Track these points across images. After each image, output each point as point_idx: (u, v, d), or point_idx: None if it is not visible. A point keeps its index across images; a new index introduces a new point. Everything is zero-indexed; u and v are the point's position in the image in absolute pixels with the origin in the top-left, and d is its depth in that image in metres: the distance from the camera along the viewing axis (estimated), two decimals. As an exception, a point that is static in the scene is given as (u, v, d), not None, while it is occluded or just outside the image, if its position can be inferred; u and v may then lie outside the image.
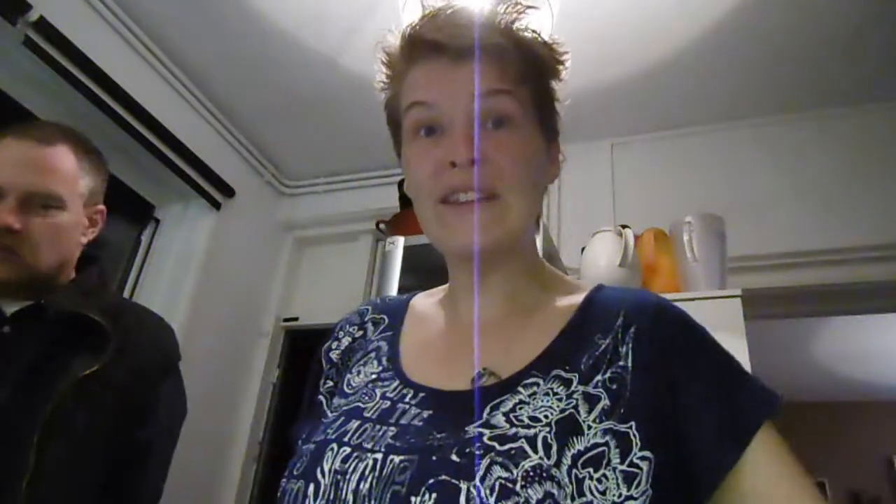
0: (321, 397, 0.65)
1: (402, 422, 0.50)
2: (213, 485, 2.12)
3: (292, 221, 2.63)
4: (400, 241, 1.44)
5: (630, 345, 0.51)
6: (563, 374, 0.50)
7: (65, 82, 1.69)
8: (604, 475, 0.43)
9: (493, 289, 0.60)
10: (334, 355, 0.68)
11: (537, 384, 0.50)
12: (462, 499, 0.41)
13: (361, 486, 0.45)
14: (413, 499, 0.42)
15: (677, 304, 0.56)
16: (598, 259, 1.47)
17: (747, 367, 0.68)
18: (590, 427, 0.46)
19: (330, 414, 0.58)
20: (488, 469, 0.42)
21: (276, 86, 2.14)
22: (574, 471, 0.43)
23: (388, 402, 0.54)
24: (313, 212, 2.60)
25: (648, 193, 2.10)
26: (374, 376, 0.60)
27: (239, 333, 2.33)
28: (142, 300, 2.00)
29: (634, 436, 0.45)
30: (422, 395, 0.54)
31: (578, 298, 0.59)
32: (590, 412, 0.47)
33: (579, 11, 1.72)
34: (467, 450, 0.44)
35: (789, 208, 1.92)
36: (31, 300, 0.95)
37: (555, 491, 0.41)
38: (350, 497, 0.45)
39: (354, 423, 0.52)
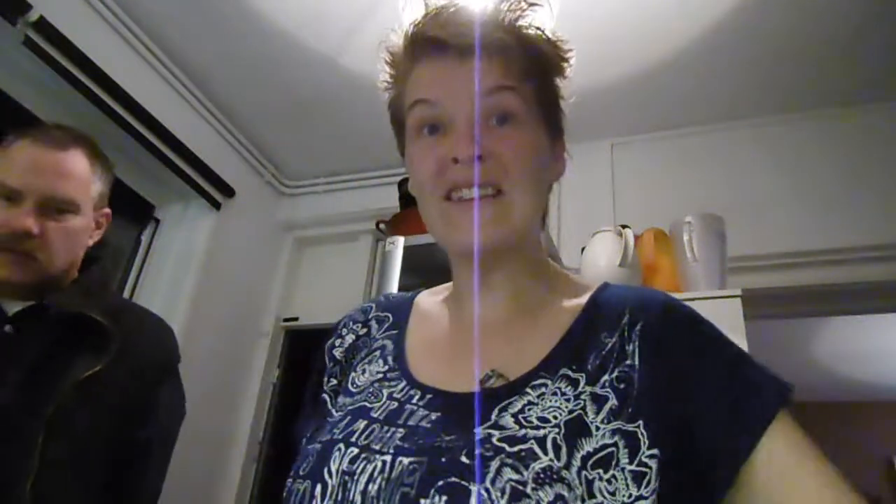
0: (325, 396, 0.65)
1: (411, 423, 0.50)
2: (213, 485, 2.11)
3: (292, 221, 2.62)
4: (400, 241, 1.43)
5: (636, 342, 0.51)
6: (570, 373, 0.50)
7: (65, 82, 1.69)
8: (613, 476, 0.43)
9: (497, 287, 0.60)
10: (338, 353, 0.67)
11: (545, 384, 0.50)
12: (472, 501, 0.40)
13: (370, 487, 0.45)
14: (423, 501, 0.42)
15: (679, 303, 0.55)
16: (598, 259, 1.46)
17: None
18: (598, 428, 0.45)
19: (335, 413, 0.58)
20: (498, 471, 0.42)
21: (276, 86, 2.14)
22: (584, 472, 0.43)
23: (396, 403, 0.53)
24: (313, 212, 2.59)
25: (648, 193, 2.09)
26: (380, 375, 0.59)
27: (239, 333, 2.32)
28: (142, 300, 2.00)
29: (642, 434, 0.45)
30: (429, 396, 0.53)
31: (584, 297, 0.58)
32: (598, 413, 0.46)
33: (579, 11, 1.72)
34: (477, 451, 0.44)
35: (789, 208, 1.92)
36: (32, 300, 0.95)
37: (565, 493, 0.41)
38: (358, 498, 0.44)
39: (361, 424, 0.52)
